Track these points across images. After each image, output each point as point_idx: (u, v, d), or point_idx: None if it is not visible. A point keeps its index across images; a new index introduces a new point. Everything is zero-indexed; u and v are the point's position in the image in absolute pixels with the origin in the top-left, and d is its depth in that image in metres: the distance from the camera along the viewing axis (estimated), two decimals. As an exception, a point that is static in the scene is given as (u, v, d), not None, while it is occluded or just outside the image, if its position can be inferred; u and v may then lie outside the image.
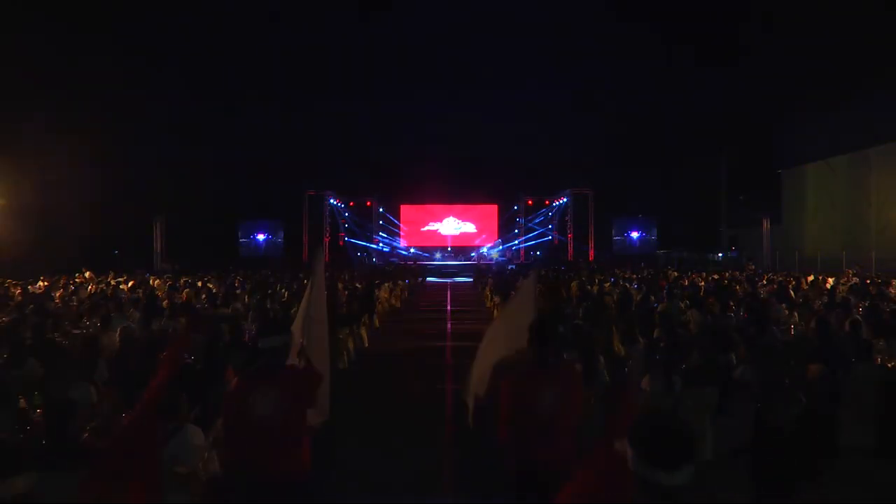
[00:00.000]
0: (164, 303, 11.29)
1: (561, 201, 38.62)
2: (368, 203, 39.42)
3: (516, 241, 39.47)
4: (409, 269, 28.70)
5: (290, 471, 3.20)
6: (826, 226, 28.47)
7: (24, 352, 5.97)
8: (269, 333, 3.30)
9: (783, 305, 10.00)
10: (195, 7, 30.02)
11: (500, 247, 39.21)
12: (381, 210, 39.90)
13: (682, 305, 10.78)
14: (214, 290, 13.70)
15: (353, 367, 9.70)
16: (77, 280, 17.26)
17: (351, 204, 39.21)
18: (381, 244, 39.50)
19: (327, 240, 37.98)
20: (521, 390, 3.39)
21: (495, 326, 5.11)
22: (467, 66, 38.18)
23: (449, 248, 39.69)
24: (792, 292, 12.46)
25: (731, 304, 10.30)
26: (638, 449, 1.72)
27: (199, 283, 15.90)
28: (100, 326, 8.15)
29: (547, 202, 39.48)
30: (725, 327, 7.67)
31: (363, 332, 11.63)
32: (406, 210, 40.80)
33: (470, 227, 40.75)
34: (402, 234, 40.52)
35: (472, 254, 38.81)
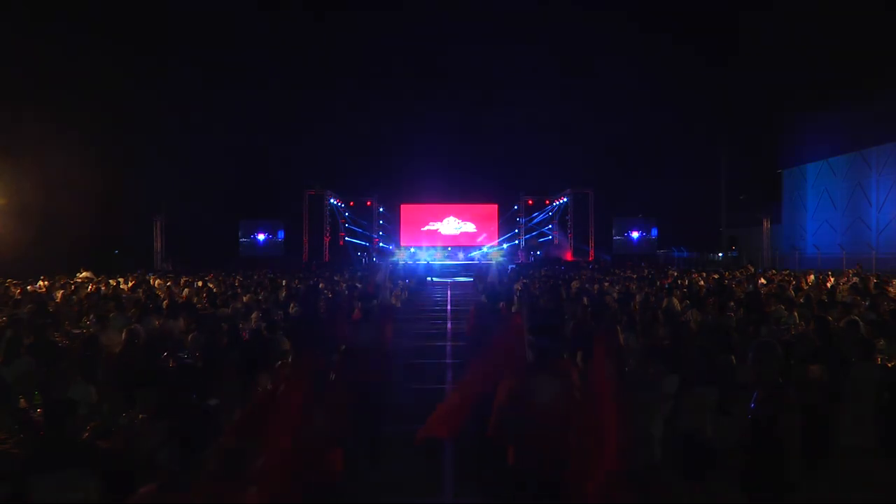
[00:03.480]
0: (164, 302, 11.27)
1: (561, 201, 38.60)
2: (368, 203, 39.40)
3: (516, 241, 39.45)
4: (410, 269, 28.66)
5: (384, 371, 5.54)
6: (826, 226, 28.46)
7: (20, 350, 5.96)
8: (369, 298, 5.99)
9: (782, 306, 9.96)
10: (195, 7, 30.02)
11: (503, 246, 39.11)
12: (381, 210, 39.88)
13: (682, 306, 10.76)
14: (214, 290, 13.69)
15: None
16: (77, 280, 17.24)
17: (351, 204, 39.19)
18: (380, 244, 39.49)
19: (327, 239, 37.96)
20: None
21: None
22: (468, 66, 38.20)
23: (449, 248, 39.63)
24: (792, 292, 12.44)
25: (731, 303, 10.28)
26: (530, 331, 4.02)
27: (200, 283, 15.88)
28: (99, 326, 8.13)
29: (547, 202, 39.46)
30: (725, 327, 7.66)
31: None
32: (406, 210, 40.77)
33: (470, 227, 40.72)
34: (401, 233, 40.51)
35: (473, 253, 38.70)
